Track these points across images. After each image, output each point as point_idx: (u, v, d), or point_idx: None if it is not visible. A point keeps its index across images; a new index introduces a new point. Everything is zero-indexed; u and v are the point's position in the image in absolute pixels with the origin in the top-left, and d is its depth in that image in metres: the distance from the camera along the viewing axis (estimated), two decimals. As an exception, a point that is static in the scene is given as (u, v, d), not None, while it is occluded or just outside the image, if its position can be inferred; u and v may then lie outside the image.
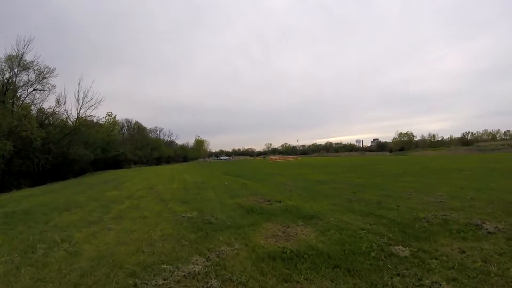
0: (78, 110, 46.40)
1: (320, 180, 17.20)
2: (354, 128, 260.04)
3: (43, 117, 39.72)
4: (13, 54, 35.11)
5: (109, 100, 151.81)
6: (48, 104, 43.22)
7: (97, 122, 60.57)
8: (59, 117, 42.18)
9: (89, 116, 47.44)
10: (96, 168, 51.96)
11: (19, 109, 33.87)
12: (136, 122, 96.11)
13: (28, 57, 35.46)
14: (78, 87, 46.81)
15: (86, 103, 46.59)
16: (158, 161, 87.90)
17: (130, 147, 74.43)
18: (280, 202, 9.99)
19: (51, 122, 39.24)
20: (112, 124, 62.06)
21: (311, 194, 11.84)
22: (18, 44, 35.00)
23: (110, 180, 24.41)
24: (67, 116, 42.91)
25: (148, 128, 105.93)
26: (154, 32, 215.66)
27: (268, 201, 10.32)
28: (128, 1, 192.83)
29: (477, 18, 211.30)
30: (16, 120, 31.28)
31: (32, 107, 38.91)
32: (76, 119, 43.06)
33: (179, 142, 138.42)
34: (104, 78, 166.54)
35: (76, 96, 46.60)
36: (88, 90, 48.00)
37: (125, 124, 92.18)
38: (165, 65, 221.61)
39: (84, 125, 44.11)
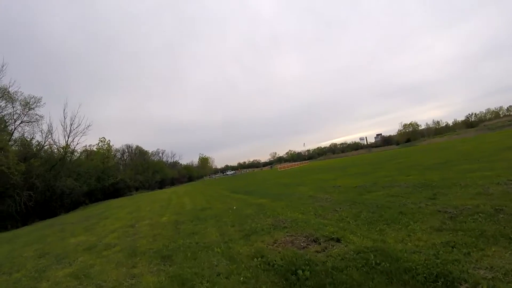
0: (66, 138, 42.58)
1: (358, 186, 12.64)
2: (356, 126, 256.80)
3: (27, 149, 35.56)
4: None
5: (108, 126, 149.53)
6: (41, 136, 39.39)
7: (90, 150, 56.94)
8: (42, 148, 38.03)
9: (77, 144, 43.57)
10: (94, 199, 47.65)
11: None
12: (137, 147, 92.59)
13: (3, 82, 32.10)
14: (64, 114, 43.21)
15: (74, 130, 42.89)
16: (161, 184, 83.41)
17: (130, 172, 70.23)
18: (338, 240, 5.52)
19: (36, 154, 34.98)
20: (107, 150, 57.78)
21: (373, 212, 7.41)
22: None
23: (93, 215, 20.08)
24: (50, 145, 38.75)
25: (150, 151, 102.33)
26: (148, 55, 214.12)
27: (315, 240, 5.80)
28: (120, 24, 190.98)
29: (463, 2, 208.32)
30: (-12, 156, 27.25)
31: (15, 140, 35.50)
32: (62, 147, 39.04)
33: (183, 162, 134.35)
34: (102, 105, 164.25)
35: (63, 123, 42.84)
36: (75, 116, 43.98)
37: (126, 150, 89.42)
38: (162, 85, 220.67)
39: (71, 153, 40.14)
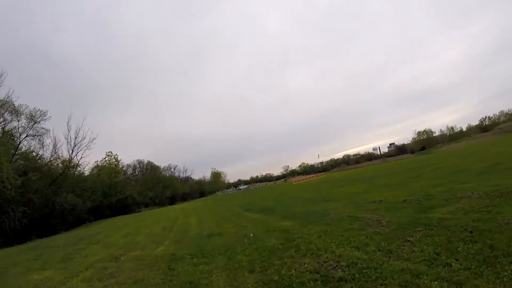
0: (70, 151, 40.45)
1: (407, 200, 9.59)
2: (368, 136, 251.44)
3: (28, 163, 33.42)
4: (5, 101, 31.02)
5: (121, 142, 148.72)
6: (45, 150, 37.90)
7: (101, 166, 54.87)
8: (46, 162, 35.90)
9: (81, 158, 41.35)
10: (100, 215, 45.10)
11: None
12: (149, 162, 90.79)
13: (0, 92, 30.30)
14: (68, 126, 41.06)
15: (78, 143, 40.80)
16: (172, 200, 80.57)
17: (139, 188, 67.89)
18: None
19: (36, 168, 32.73)
20: (114, 164, 55.52)
21: (472, 240, 4.62)
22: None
23: (85, 237, 17.36)
24: (51, 160, 36.60)
25: (161, 166, 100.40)
26: (160, 71, 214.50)
27: None
28: (132, 43, 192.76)
29: (467, 3, 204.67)
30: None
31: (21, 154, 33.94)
32: (63, 161, 36.88)
33: (196, 177, 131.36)
34: (115, 121, 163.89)
35: (66, 137, 40.82)
36: (79, 129, 41.85)
37: (137, 165, 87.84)
38: (174, 101, 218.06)
39: (74, 168, 37.92)
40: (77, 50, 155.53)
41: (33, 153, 35.81)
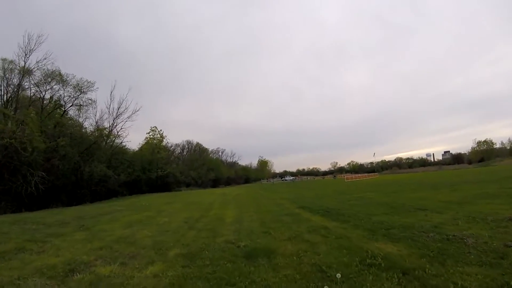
0: (110, 122, 37.43)
1: None
2: (422, 141, 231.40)
3: (61, 129, 30.55)
4: (52, 70, 29.29)
5: (174, 127, 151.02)
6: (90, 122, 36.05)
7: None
8: (79, 129, 33.05)
9: (120, 129, 38.10)
10: (136, 190, 42.12)
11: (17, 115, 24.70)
12: (197, 143, 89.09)
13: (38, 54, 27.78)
14: (111, 96, 38.11)
15: (120, 114, 37.68)
16: (215, 182, 77.09)
17: (183, 167, 64.94)
18: None
19: (66, 133, 29.71)
20: (158, 140, 52.28)
21: None
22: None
23: (92, 216, 13.25)
24: (85, 128, 33.87)
25: (209, 149, 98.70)
26: (212, 60, 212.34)
27: None
28: (186, 32, 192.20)
29: None
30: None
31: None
32: (97, 130, 33.74)
33: (242, 163, 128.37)
34: (170, 107, 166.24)
35: (108, 106, 37.84)
36: (123, 100, 38.74)
37: (186, 145, 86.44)
38: (225, 90, 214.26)
39: (109, 137, 34.74)
40: (132, 38, 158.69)
41: (71, 120, 33.37)
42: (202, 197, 26.14)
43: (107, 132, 36.00)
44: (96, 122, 36.29)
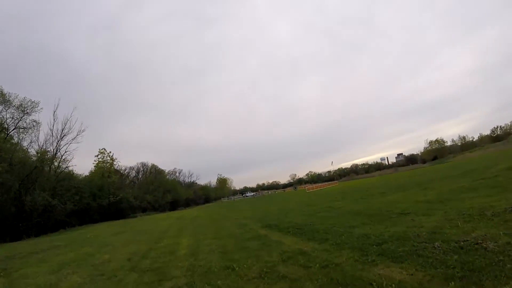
0: (54, 144, 34.54)
1: None
2: (376, 147, 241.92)
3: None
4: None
5: (128, 149, 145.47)
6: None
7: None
8: (20, 154, 30.08)
9: (65, 152, 35.32)
10: (88, 219, 38.81)
11: None
12: (153, 165, 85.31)
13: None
14: (54, 116, 35.15)
15: (64, 136, 35.04)
16: (174, 205, 73.58)
17: (138, 191, 61.65)
18: None
19: (5, 159, 26.71)
20: (109, 164, 49.17)
21: None
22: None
23: (42, 250, 11.73)
24: (27, 153, 30.87)
25: (166, 170, 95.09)
26: (170, 78, 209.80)
27: None
28: (140, 52, 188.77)
29: (476, 14, 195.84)
30: None
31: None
32: (39, 152, 30.94)
33: (201, 182, 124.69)
34: (124, 130, 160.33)
35: (52, 128, 34.90)
36: (68, 120, 35.93)
37: (141, 168, 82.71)
38: (181, 108, 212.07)
39: (50, 161, 31.89)
40: (86, 57, 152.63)
41: (11, 144, 30.33)
42: (156, 223, 24.22)
43: (50, 156, 32.86)
44: (41, 147, 33.41)
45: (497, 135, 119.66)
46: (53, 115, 34.97)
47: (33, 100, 30.99)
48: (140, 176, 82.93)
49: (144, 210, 57.72)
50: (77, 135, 36.02)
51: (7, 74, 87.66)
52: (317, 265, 5.43)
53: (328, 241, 7.36)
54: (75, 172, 40.91)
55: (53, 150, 34.58)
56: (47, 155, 31.86)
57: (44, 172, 30.10)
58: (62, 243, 15.13)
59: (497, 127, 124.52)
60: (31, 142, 32.91)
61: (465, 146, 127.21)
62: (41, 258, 10.50)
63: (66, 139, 35.58)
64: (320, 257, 6.01)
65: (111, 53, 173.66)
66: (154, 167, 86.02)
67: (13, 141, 31.17)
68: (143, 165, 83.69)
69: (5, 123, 29.86)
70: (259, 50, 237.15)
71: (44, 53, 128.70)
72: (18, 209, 26.71)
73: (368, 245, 6.29)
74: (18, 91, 31.30)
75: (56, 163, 34.89)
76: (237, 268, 6.02)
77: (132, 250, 10.22)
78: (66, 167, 36.76)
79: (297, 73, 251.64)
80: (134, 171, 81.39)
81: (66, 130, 35.32)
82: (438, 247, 5.25)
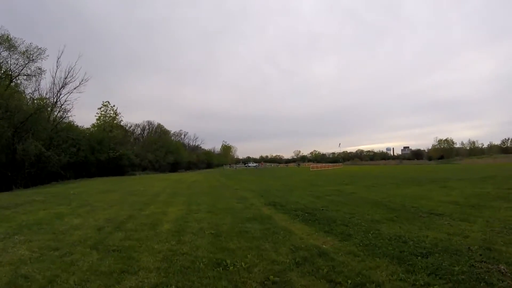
0: (55, 94, 32.80)
1: None
2: (383, 136, 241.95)
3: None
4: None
5: (137, 106, 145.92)
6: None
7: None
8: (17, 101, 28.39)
9: (65, 102, 33.61)
10: (85, 173, 37.84)
11: None
12: (159, 125, 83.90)
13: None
14: (57, 63, 33.16)
15: (66, 84, 33.21)
16: (175, 167, 72.54)
17: (140, 149, 60.47)
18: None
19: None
20: (111, 118, 47.39)
21: None
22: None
23: (16, 204, 10.57)
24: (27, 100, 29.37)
25: (172, 131, 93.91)
26: (186, 39, 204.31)
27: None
28: (159, 10, 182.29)
29: (503, 22, 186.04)
30: None
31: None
32: (36, 99, 29.41)
33: (205, 147, 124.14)
34: (136, 85, 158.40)
35: (54, 76, 33.00)
36: (71, 68, 33.88)
37: (146, 126, 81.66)
38: (194, 72, 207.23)
39: (46, 109, 30.22)
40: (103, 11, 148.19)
41: (12, 90, 28.79)
42: (151, 184, 22.76)
43: (48, 103, 31.32)
44: (42, 96, 31.90)
45: (507, 147, 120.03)
46: (57, 62, 33.21)
47: (39, 47, 29.38)
48: (145, 134, 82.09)
49: (144, 169, 56.84)
50: (80, 84, 34.13)
51: (23, 25, 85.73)
52: (349, 281, 3.68)
53: (352, 239, 5.67)
54: (75, 123, 39.57)
55: (53, 98, 32.99)
56: (45, 102, 30.22)
57: (41, 120, 28.40)
58: (42, 198, 13.63)
59: (508, 139, 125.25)
60: (34, 90, 31.57)
61: (473, 151, 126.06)
62: (6, 216, 8.95)
63: (68, 88, 33.89)
64: (348, 264, 4.26)
65: (127, 10, 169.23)
66: (160, 126, 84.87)
67: (17, 88, 29.88)
68: (149, 123, 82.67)
69: (9, 70, 28.66)
70: (278, 21, 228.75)
71: (61, 6, 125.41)
72: (9, 158, 25.39)
73: (409, 254, 4.60)
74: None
75: (56, 113, 33.37)
76: (231, 267, 4.27)
77: (110, 216, 8.57)
78: (66, 116, 35.21)
79: (315, 51, 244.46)
80: (139, 129, 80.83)
81: (68, 79, 33.53)
82: (505, 272, 3.68)
